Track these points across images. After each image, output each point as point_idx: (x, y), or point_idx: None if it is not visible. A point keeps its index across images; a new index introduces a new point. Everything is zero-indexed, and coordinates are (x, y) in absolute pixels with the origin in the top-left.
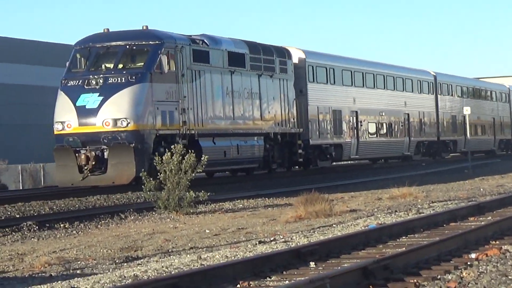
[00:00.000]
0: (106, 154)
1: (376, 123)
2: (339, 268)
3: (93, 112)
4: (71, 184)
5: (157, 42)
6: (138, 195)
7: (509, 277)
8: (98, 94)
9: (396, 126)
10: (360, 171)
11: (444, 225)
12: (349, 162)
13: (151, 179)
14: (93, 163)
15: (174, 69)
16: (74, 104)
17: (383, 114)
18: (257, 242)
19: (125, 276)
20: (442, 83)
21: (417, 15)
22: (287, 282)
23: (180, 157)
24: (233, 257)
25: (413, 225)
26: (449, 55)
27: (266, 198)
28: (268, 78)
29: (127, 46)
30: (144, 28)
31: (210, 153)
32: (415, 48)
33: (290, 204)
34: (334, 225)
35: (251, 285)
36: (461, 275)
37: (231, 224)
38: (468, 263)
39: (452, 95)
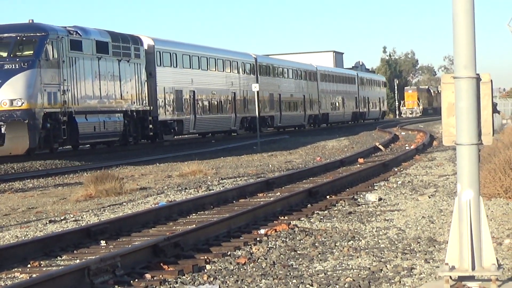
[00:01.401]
0: (3, 129)
1: (209, 101)
2: (129, 246)
3: None
4: None
5: (43, 33)
6: None
7: (298, 251)
8: None
9: (225, 104)
10: (194, 144)
11: (234, 201)
12: (188, 136)
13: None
14: None
15: (57, 56)
16: None
17: (215, 93)
18: (48, 222)
19: None
20: (262, 64)
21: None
22: (78, 261)
23: None
24: (23, 237)
25: (203, 202)
26: (268, 36)
27: (56, 177)
28: (126, 62)
29: (18, 37)
30: (30, 21)
31: (84, 127)
32: (239, 32)
33: (80, 182)
34: (124, 204)
35: (41, 265)
36: (251, 251)
37: (21, 203)
38: (258, 238)
39: (269, 75)
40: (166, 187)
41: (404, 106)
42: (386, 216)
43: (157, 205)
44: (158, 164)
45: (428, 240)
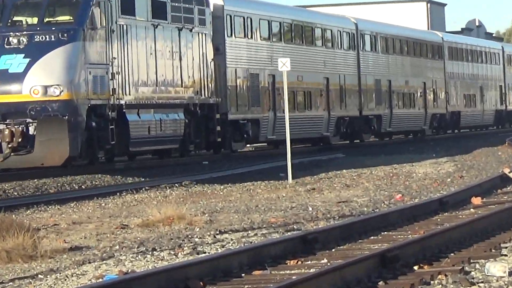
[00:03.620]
0: (32, 129)
1: (294, 92)
2: None
3: (18, 77)
4: None
5: None
6: None
7: None
8: (23, 55)
9: (314, 97)
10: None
11: (242, 274)
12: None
13: None
14: (19, 140)
15: (105, 24)
16: None
17: (301, 80)
18: None
19: None
20: (365, 33)
21: None
22: None
23: None
24: None
25: (185, 274)
26: None
27: None
28: (188, 32)
29: None
30: None
31: (136, 129)
32: None
33: None
34: (40, 277)
35: None
36: None
37: None
38: None
39: (376, 50)
40: (117, 247)
41: None
42: None
43: (101, 280)
44: (102, 203)
45: None
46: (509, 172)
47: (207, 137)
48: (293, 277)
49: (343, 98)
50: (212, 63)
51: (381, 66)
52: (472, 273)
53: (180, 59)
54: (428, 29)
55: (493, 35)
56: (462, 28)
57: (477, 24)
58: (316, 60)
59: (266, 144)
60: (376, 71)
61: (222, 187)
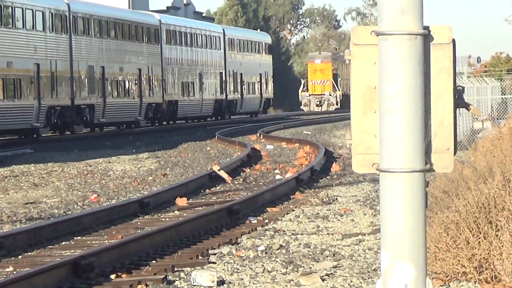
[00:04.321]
0: None
1: (3, 79)
2: None
3: None
4: None
5: None
6: None
7: None
8: None
9: (25, 84)
10: None
11: None
12: None
13: None
14: None
15: None
16: None
17: (12, 66)
18: None
19: None
20: (78, 16)
21: None
22: None
23: None
24: None
25: None
26: None
27: None
28: None
29: None
30: None
31: None
32: None
33: None
34: None
35: None
36: None
37: None
38: None
39: (90, 34)
40: None
41: (307, 90)
42: None
43: None
44: None
45: None
46: (218, 170)
47: None
48: None
49: (54, 86)
50: None
51: (94, 51)
52: (176, 282)
53: None
54: (129, 8)
55: (203, 14)
56: (167, 7)
57: (185, 2)
58: (26, 45)
59: None
60: (89, 57)
61: None
